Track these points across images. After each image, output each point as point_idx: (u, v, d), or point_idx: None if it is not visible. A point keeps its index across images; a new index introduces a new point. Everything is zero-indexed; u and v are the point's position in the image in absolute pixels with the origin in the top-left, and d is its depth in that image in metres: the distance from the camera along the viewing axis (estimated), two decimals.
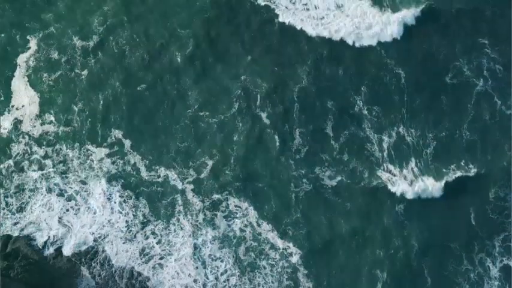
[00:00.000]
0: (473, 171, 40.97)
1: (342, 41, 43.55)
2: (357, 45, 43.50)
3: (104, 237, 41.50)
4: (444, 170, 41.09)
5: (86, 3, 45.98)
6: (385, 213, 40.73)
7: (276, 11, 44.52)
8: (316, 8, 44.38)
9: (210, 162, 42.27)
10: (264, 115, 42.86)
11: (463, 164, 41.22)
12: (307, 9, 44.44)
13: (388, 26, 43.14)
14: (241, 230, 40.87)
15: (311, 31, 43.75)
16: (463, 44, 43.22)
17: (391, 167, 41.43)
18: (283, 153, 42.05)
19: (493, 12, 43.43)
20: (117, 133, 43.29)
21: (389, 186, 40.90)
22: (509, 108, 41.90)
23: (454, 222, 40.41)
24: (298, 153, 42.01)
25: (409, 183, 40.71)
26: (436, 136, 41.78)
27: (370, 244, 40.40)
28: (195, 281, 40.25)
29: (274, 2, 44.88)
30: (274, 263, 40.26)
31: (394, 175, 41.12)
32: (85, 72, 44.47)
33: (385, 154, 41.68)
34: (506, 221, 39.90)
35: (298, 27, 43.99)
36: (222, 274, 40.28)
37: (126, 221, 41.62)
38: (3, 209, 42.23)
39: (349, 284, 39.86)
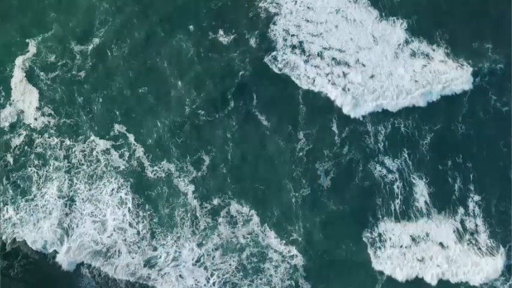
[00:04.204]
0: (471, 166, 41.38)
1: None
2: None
3: (108, 238, 41.56)
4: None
5: (86, 5, 46.19)
6: (383, 212, 40.99)
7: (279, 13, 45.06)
8: (316, 10, 44.59)
9: (210, 162, 42.40)
10: (262, 114, 43.04)
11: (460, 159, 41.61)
12: (308, 8, 44.55)
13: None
14: (244, 237, 41.04)
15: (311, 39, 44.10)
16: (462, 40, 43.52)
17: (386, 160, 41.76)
18: (284, 152, 42.29)
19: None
20: (119, 129, 43.39)
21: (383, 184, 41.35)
22: (507, 105, 42.11)
23: None
24: (301, 151, 42.18)
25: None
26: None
27: (369, 244, 40.63)
28: (196, 281, 40.34)
29: (278, 3, 45.10)
30: (277, 265, 40.46)
31: (389, 170, 41.42)
32: (83, 73, 44.60)
33: (380, 146, 41.88)
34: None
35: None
36: (224, 275, 40.42)
37: (130, 223, 41.68)
38: (3, 207, 42.28)
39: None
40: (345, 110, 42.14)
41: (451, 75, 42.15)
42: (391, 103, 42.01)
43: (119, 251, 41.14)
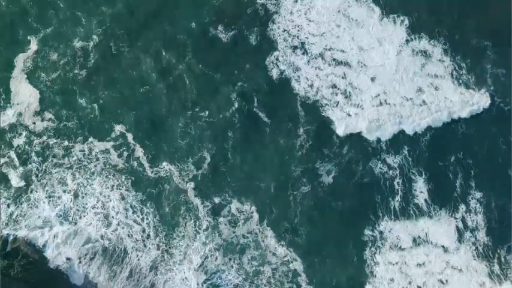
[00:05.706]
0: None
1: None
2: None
3: (112, 233, 41.47)
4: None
5: (87, 4, 46.28)
6: (384, 210, 41.10)
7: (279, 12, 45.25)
8: (317, 8, 44.81)
9: (210, 161, 42.42)
10: (262, 112, 43.14)
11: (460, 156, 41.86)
12: (312, 7, 44.83)
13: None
14: (244, 237, 41.00)
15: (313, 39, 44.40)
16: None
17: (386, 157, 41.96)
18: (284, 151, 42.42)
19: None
20: (120, 129, 43.32)
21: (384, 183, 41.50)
22: (508, 104, 42.55)
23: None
24: (301, 149, 42.25)
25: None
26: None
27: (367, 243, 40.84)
28: (198, 283, 40.26)
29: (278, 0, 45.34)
30: (275, 267, 40.47)
31: (390, 167, 41.59)
32: (84, 72, 44.53)
33: (381, 144, 42.13)
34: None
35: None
36: (225, 277, 40.38)
37: (135, 220, 41.60)
38: (4, 201, 42.05)
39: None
40: (339, 132, 42.27)
41: (450, 76, 42.60)
42: (392, 109, 42.28)
43: (124, 249, 40.93)
